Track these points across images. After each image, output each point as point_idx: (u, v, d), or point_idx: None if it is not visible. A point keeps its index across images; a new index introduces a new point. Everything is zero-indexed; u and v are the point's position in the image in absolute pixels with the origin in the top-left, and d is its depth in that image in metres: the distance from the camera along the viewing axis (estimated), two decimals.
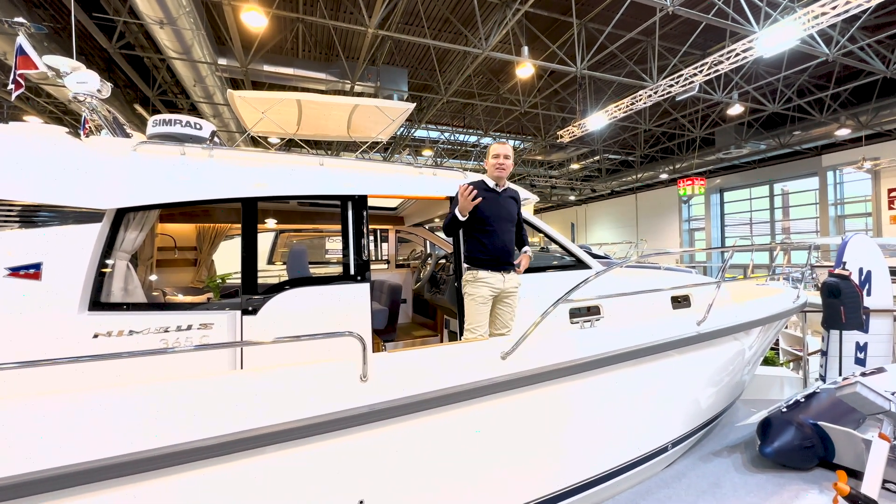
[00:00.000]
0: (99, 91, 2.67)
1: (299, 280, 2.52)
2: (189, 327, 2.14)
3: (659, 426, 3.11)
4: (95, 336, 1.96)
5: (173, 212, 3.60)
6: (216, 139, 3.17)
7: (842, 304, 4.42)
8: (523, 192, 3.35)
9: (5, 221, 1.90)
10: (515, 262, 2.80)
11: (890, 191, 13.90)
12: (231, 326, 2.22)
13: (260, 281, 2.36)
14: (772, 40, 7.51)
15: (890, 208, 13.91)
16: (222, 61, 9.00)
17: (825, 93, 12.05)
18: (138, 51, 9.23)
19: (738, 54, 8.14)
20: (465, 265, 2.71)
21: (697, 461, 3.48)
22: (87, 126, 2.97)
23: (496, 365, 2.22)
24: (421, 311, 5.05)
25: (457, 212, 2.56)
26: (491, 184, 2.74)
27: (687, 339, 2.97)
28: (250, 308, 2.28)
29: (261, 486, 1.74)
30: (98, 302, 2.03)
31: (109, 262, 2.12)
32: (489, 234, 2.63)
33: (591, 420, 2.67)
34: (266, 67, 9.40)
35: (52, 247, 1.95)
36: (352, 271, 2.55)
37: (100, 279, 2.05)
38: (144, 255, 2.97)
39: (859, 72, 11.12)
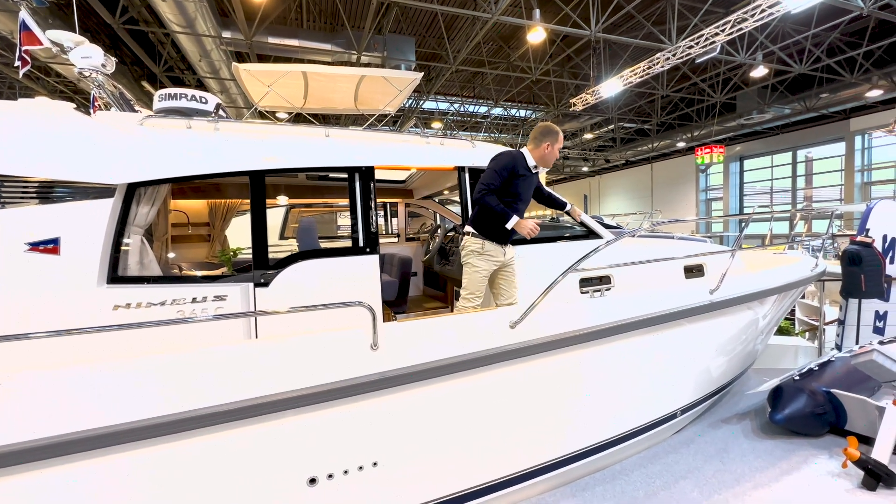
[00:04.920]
0: (104, 66, 2.65)
1: (309, 253, 2.55)
2: (204, 299, 2.20)
3: (668, 394, 3.13)
4: (115, 308, 2.03)
5: (185, 187, 3.64)
6: (221, 112, 3.15)
7: (862, 272, 4.31)
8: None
9: (22, 197, 1.95)
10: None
11: None
12: (244, 298, 2.28)
13: (271, 255, 2.39)
14: None
15: None
16: (226, 34, 8.83)
17: (857, 51, 11.33)
18: (142, 26, 9.11)
19: (763, 10, 7.66)
20: (470, 230, 2.67)
21: (706, 428, 3.51)
22: (96, 104, 2.97)
23: (505, 334, 2.25)
24: (431, 284, 5.09)
25: (514, 220, 2.51)
26: (531, 163, 2.72)
27: (698, 308, 2.95)
28: (262, 280, 2.32)
29: (278, 449, 1.82)
30: (116, 275, 2.09)
31: (124, 236, 2.17)
32: (513, 212, 2.59)
33: (599, 387, 2.70)
34: (270, 39, 9.22)
35: (69, 222, 2.00)
36: (360, 243, 2.56)
37: (116, 253, 2.10)
38: (159, 231, 3.02)
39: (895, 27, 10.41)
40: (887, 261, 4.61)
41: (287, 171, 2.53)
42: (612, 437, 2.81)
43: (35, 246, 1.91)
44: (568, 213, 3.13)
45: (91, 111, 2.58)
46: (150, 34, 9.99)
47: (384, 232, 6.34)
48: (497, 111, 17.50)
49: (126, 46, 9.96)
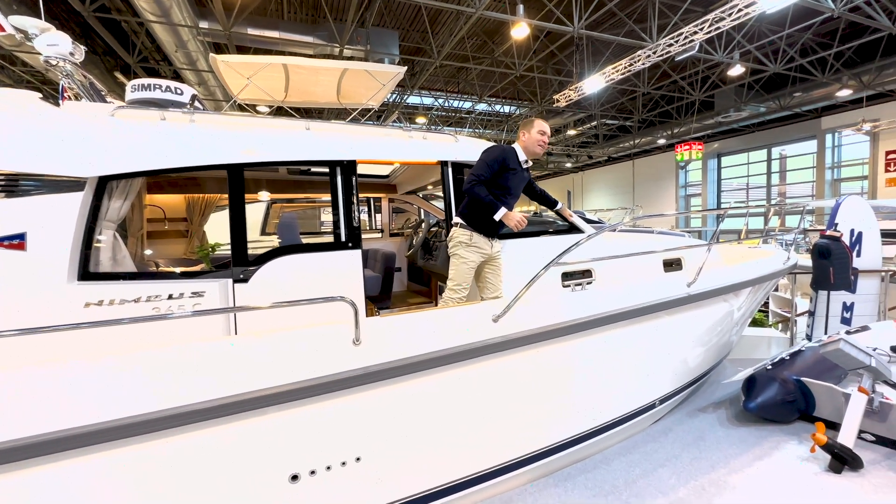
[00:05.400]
0: (72, 54, 2.55)
1: (290, 248, 2.51)
2: (181, 295, 2.14)
3: (647, 384, 3.20)
4: (87, 306, 1.97)
5: (160, 181, 3.54)
6: (197, 104, 3.07)
7: (831, 265, 4.48)
8: None
9: None
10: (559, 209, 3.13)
11: (888, 153, 13.77)
12: (223, 294, 2.23)
13: (251, 251, 2.35)
14: None
15: (887, 171, 13.84)
16: (203, 24, 8.58)
17: (828, 51, 11.72)
18: (114, 14, 8.78)
19: (740, 10, 7.84)
20: (459, 221, 2.67)
21: (684, 417, 3.61)
22: (66, 94, 2.85)
23: (487, 327, 2.26)
24: (416, 279, 5.08)
25: (502, 212, 2.53)
26: (522, 157, 2.75)
27: (676, 301, 3.02)
28: (242, 276, 2.28)
29: (259, 446, 1.80)
30: (88, 272, 2.02)
31: (96, 231, 2.10)
32: (503, 206, 2.61)
33: (581, 379, 2.75)
34: (250, 31, 9.00)
35: (36, 217, 1.92)
36: (342, 238, 2.53)
37: (87, 249, 2.03)
38: (134, 227, 2.93)
39: (864, 29, 10.77)
40: (854, 254, 4.81)
41: (266, 165, 2.48)
42: (594, 427, 2.86)
43: None
44: (558, 213, 3.16)
45: (60, 102, 2.48)
46: (122, 23, 9.64)
47: (368, 227, 6.29)
48: (481, 107, 17.50)
49: (98, 36, 9.59)
